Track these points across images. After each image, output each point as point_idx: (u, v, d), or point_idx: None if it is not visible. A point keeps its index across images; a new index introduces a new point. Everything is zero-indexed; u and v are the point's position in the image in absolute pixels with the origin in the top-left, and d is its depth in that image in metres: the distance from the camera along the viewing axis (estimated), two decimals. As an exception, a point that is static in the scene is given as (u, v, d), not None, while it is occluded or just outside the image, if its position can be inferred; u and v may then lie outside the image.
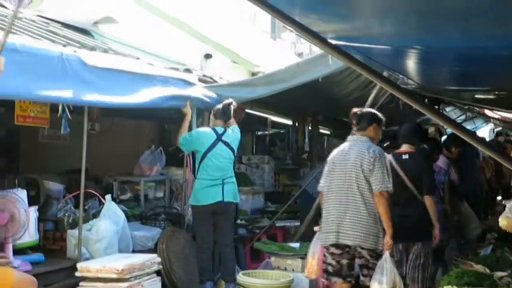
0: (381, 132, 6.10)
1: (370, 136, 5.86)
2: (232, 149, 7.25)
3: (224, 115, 7.22)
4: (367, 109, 6.36)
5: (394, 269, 5.46)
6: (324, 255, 5.81)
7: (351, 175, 5.64)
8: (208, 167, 7.04)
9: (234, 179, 7.26)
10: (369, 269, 5.59)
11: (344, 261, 5.69)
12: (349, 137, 6.04)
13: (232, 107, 7.24)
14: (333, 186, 5.77)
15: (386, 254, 5.47)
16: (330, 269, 5.75)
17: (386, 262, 5.42)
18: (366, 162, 5.59)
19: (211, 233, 7.11)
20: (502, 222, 5.29)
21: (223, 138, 7.17)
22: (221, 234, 7.16)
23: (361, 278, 5.69)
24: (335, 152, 5.92)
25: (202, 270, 7.06)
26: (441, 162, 7.60)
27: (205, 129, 7.30)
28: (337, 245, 5.66)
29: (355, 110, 6.07)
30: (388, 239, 5.53)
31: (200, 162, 7.08)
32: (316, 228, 6.03)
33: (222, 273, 7.14)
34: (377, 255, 5.58)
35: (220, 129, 7.20)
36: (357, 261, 5.73)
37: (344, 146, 5.91)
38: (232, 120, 7.39)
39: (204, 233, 7.11)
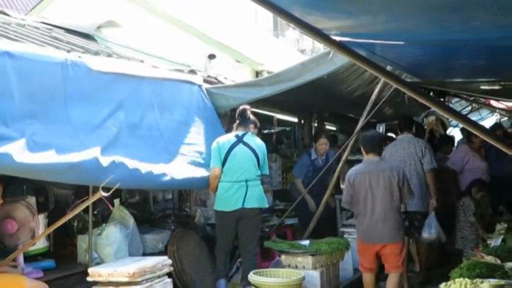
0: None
1: (413, 134, 8.30)
2: (255, 153, 6.93)
3: (243, 120, 7.00)
4: (407, 115, 8.90)
5: (437, 223, 7.64)
6: None
7: (410, 159, 7.86)
8: (228, 169, 6.83)
9: (258, 183, 6.96)
10: (419, 227, 7.77)
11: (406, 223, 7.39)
12: (399, 136, 8.36)
13: (249, 112, 7.04)
14: None
15: (432, 213, 7.71)
16: None
17: (432, 219, 7.68)
18: (418, 150, 7.90)
19: (230, 238, 6.99)
20: None
21: (245, 139, 6.93)
22: (244, 240, 6.99)
23: (412, 230, 7.76)
24: (390, 146, 8.14)
25: (217, 268, 7.00)
26: None
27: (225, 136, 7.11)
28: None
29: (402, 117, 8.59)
30: (433, 202, 7.78)
31: (223, 165, 6.83)
32: None
33: (242, 276, 6.99)
34: (425, 216, 7.76)
35: (240, 133, 6.97)
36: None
37: (397, 141, 8.28)
38: (253, 130, 7.17)
39: (223, 236, 6.99)
